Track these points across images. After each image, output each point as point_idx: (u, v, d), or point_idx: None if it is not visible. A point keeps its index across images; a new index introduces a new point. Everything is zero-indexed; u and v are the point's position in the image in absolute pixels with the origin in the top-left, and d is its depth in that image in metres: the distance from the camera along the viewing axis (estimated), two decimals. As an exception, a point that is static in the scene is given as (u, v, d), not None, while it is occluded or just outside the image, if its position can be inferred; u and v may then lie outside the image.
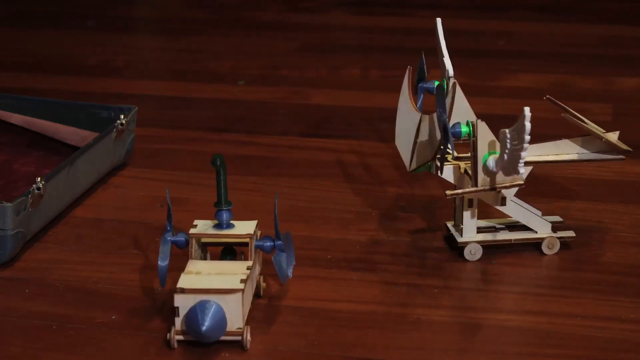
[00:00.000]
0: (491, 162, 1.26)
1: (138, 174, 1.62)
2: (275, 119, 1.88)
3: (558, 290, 1.25)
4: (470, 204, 1.32)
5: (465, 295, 1.24)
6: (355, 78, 2.14)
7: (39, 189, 1.34)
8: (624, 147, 1.32)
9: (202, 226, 1.20)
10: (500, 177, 1.28)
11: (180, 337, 1.13)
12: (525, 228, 1.35)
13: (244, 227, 1.20)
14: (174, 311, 1.12)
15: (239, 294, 1.11)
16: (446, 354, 1.13)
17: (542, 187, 1.55)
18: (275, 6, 2.77)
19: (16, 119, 1.74)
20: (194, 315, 1.10)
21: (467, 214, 1.33)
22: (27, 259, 1.35)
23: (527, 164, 1.30)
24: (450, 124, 1.25)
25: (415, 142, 1.33)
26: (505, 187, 1.28)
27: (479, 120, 1.26)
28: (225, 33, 2.50)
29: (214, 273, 1.15)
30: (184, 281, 1.13)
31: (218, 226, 1.19)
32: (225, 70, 2.20)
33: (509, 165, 1.23)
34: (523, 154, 1.20)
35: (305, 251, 1.35)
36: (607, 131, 1.33)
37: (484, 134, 1.26)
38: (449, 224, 1.37)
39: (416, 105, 1.33)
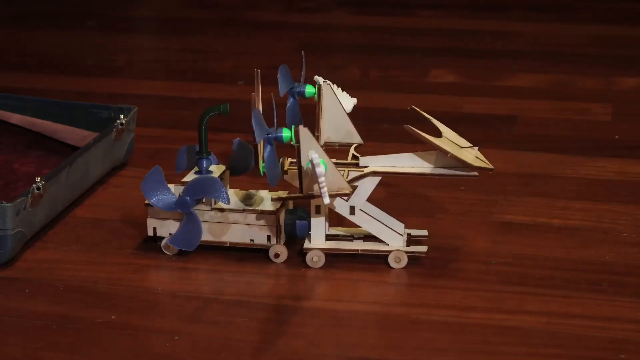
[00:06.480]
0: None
1: (138, 174, 1.61)
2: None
3: (558, 290, 1.25)
4: (318, 211, 1.31)
5: (465, 295, 1.24)
6: (355, 78, 2.13)
7: (39, 189, 1.34)
8: (482, 164, 1.28)
9: None
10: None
11: None
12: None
13: None
14: None
15: None
16: (446, 354, 1.13)
17: (541, 187, 1.55)
18: (275, 6, 2.77)
19: (16, 119, 1.74)
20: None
21: (314, 221, 1.31)
22: (27, 259, 1.35)
23: (378, 174, 1.29)
24: (279, 130, 1.27)
25: None
26: (331, 196, 1.23)
27: (302, 127, 1.23)
28: (225, 33, 2.50)
29: None
30: None
31: None
32: (225, 70, 2.20)
33: (320, 192, 1.20)
34: (323, 191, 1.18)
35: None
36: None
37: (307, 141, 1.23)
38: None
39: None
